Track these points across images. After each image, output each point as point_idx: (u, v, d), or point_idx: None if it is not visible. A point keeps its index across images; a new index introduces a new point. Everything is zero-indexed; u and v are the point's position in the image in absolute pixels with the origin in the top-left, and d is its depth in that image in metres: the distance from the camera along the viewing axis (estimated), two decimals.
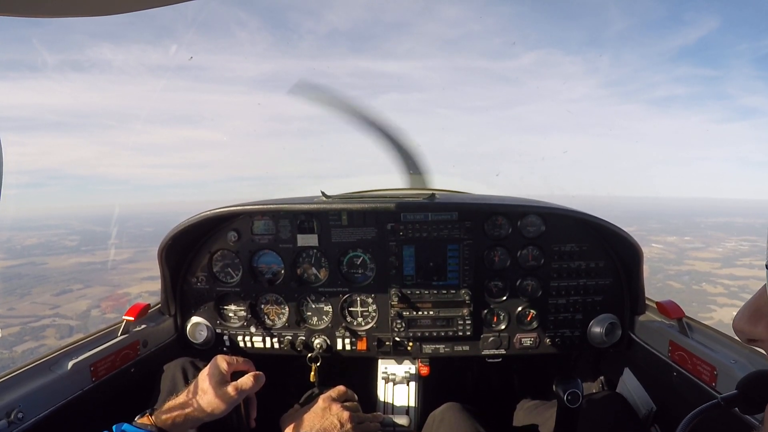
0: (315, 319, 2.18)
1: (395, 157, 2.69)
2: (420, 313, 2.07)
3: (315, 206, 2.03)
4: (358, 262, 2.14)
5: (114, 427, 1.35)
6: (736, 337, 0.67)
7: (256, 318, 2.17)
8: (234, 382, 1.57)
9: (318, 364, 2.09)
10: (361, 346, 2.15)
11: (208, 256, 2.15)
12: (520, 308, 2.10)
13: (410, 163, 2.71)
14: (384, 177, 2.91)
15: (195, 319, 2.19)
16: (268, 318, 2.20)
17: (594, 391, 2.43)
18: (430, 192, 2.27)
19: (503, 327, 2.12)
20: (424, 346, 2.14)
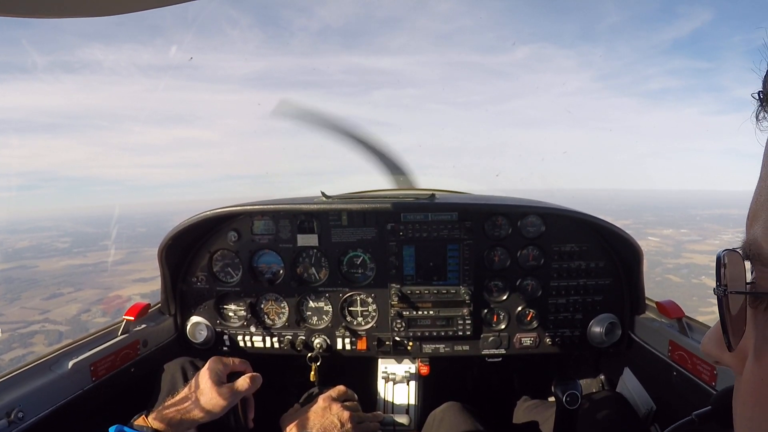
0: (315, 318, 2.18)
1: (377, 162, 2.77)
2: (420, 312, 2.08)
3: (315, 206, 2.03)
4: (358, 262, 2.14)
5: (111, 429, 1.35)
6: None
7: (256, 317, 2.18)
8: (231, 383, 1.57)
9: (318, 363, 2.09)
10: (361, 345, 2.15)
11: (208, 255, 2.15)
12: (520, 308, 2.10)
13: (392, 165, 2.78)
14: (383, 177, 2.92)
15: (195, 318, 2.19)
16: (268, 318, 2.20)
17: (594, 390, 2.43)
18: (430, 192, 2.27)
19: (503, 326, 2.12)
20: (424, 346, 2.14)
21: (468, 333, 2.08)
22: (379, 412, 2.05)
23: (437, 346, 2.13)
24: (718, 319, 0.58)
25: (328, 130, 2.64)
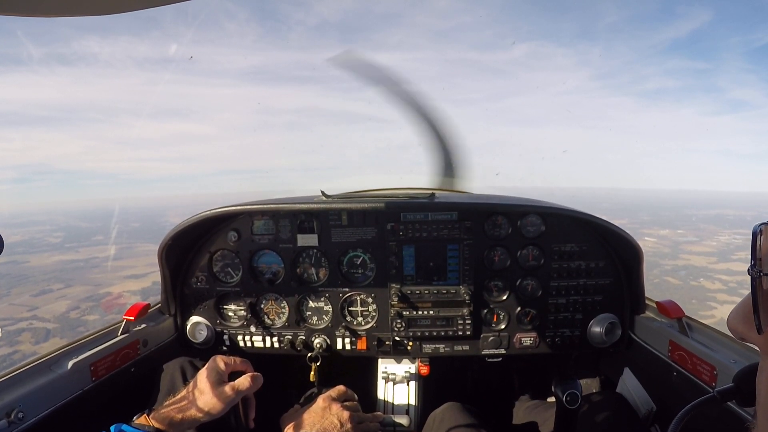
0: (315, 318, 2.18)
1: (436, 154, 2.56)
2: (420, 312, 2.07)
3: (315, 206, 2.03)
4: (358, 262, 2.14)
5: (112, 428, 1.35)
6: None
7: (256, 317, 2.17)
8: (231, 383, 1.57)
9: (318, 363, 2.09)
10: (361, 345, 2.15)
11: (208, 256, 2.15)
12: (519, 308, 2.10)
13: (449, 163, 2.59)
14: (384, 177, 2.90)
15: (195, 318, 2.19)
16: (268, 317, 2.20)
17: (594, 390, 2.43)
18: (430, 192, 2.27)
19: (503, 326, 2.12)
20: (424, 346, 2.14)
21: (468, 333, 2.08)
22: (379, 413, 2.05)
23: (437, 346, 2.13)
24: (747, 295, 0.60)
25: (385, 89, 2.44)
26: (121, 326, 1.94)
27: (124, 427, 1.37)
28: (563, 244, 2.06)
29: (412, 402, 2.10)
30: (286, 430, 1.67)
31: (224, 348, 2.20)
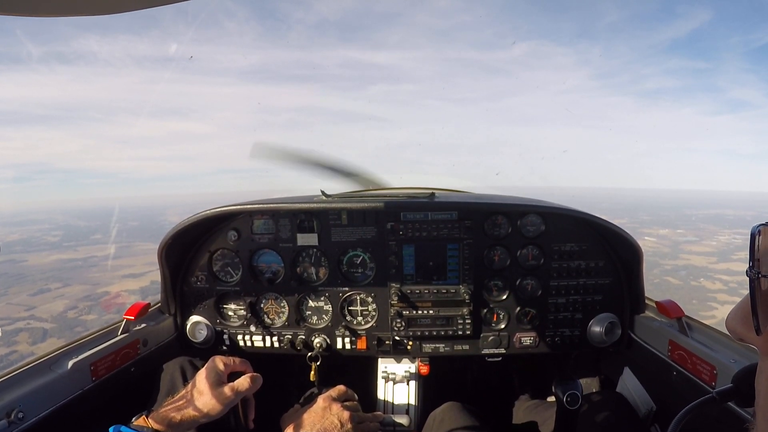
0: (315, 318, 2.18)
1: (337, 177, 2.89)
2: (420, 312, 2.07)
3: (315, 205, 2.03)
4: (358, 262, 2.14)
5: (110, 429, 1.35)
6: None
7: (255, 317, 2.17)
8: (230, 383, 1.56)
9: (318, 363, 2.09)
10: (361, 345, 2.15)
11: (207, 255, 2.15)
12: (519, 307, 2.10)
13: (346, 173, 2.90)
14: (383, 177, 2.91)
15: (195, 318, 2.19)
16: (268, 317, 2.20)
17: (594, 390, 2.43)
18: (430, 191, 2.27)
19: (503, 326, 2.12)
20: (423, 345, 2.14)
21: (468, 332, 2.08)
22: (379, 412, 2.05)
23: (437, 345, 2.13)
24: (746, 296, 0.60)
25: (302, 165, 2.77)
26: (121, 326, 1.94)
27: (123, 428, 1.36)
28: (563, 244, 2.06)
29: (412, 402, 2.10)
30: (286, 430, 1.67)
31: (224, 347, 2.20)
